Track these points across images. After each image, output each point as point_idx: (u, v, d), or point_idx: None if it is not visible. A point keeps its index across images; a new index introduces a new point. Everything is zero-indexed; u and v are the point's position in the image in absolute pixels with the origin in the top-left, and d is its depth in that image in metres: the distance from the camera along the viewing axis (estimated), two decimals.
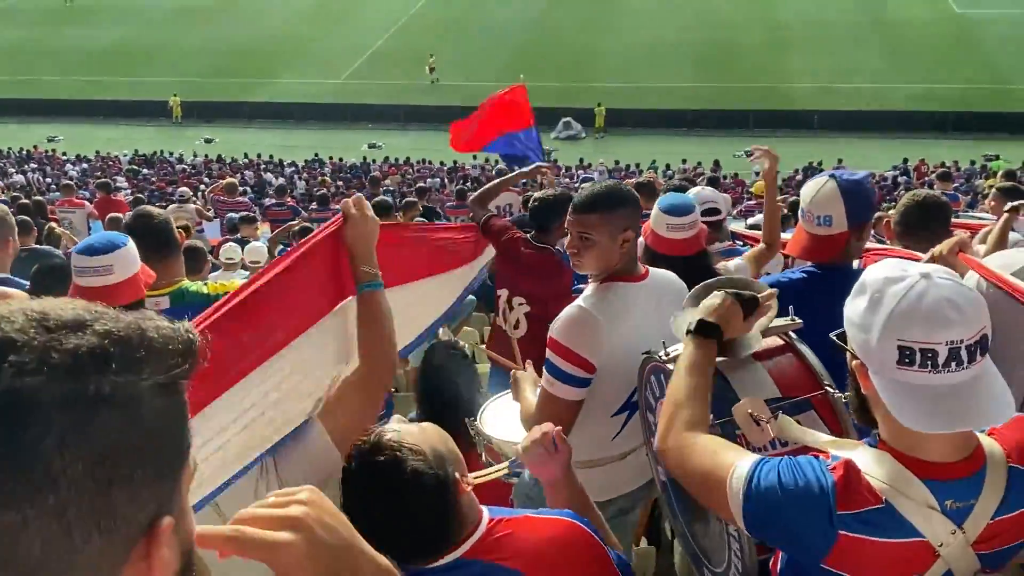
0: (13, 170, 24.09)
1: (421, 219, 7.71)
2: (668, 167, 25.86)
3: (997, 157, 25.72)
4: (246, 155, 29.07)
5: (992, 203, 5.84)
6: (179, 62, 41.75)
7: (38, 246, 5.93)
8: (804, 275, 2.58)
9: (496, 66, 39.75)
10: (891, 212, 3.44)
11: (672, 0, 45.92)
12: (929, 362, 1.30)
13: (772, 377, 1.90)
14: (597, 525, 1.66)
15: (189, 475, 0.73)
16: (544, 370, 2.37)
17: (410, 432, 1.46)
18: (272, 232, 9.93)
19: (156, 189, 20.02)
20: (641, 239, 3.00)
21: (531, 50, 41.17)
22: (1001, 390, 1.35)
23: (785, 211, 6.84)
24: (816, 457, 1.45)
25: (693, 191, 4.53)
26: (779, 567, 1.61)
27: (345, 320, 1.99)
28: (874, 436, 1.47)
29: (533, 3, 47.05)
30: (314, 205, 12.28)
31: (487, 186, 4.61)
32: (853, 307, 1.41)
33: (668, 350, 2.01)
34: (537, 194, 4.56)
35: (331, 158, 29.32)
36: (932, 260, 2.20)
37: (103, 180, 15.73)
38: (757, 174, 24.09)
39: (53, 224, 7.90)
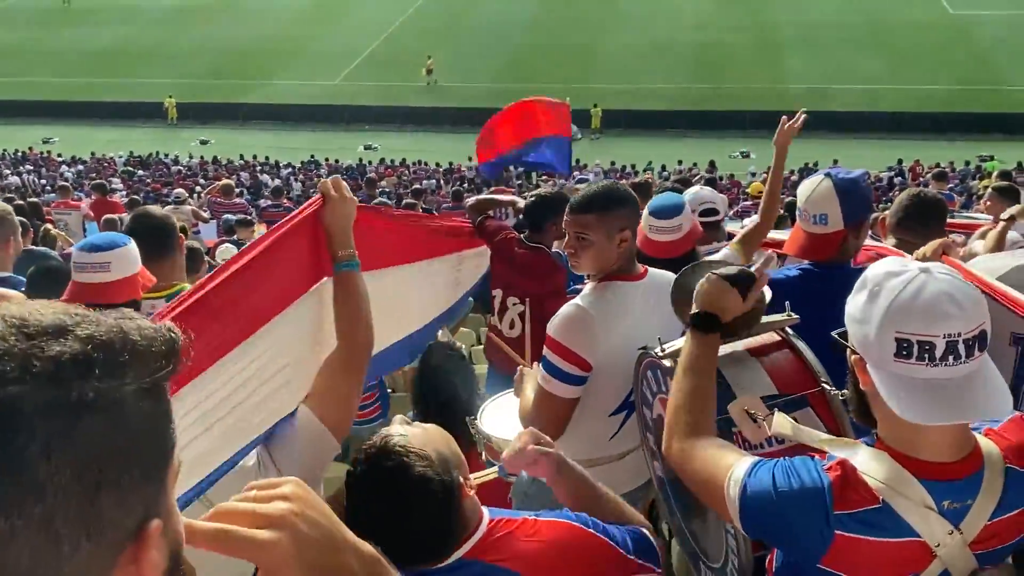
0: (8, 171, 24.03)
1: None
2: (664, 168, 25.90)
3: (991, 158, 25.80)
4: (242, 156, 29.03)
5: (988, 203, 5.87)
6: (174, 64, 41.67)
7: (34, 247, 5.92)
8: (801, 273, 2.59)
9: (492, 68, 39.81)
10: (886, 214, 3.46)
11: (667, 2, 46.00)
12: (927, 355, 1.31)
13: (769, 373, 1.90)
14: (608, 511, 1.65)
15: (175, 474, 0.73)
16: (541, 367, 2.37)
17: (415, 435, 1.46)
18: None
19: (152, 191, 19.95)
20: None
21: (527, 52, 41.21)
22: (1000, 385, 1.35)
23: (782, 211, 6.84)
24: (812, 457, 1.45)
25: (691, 191, 4.54)
26: (775, 566, 1.61)
27: (322, 301, 1.99)
28: (872, 435, 1.48)
29: (529, 5, 47.10)
30: None
31: (485, 195, 4.62)
32: (854, 302, 1.42)
33: (664, 346, 2.01)
34: (531, 193, 4.57)
35: (327, 159, 29.28)
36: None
37: (99, 182, 15.68)
38: (753, 175, 24.20)
39: (48, 225, 7.89)
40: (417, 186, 17.10)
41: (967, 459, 1.39)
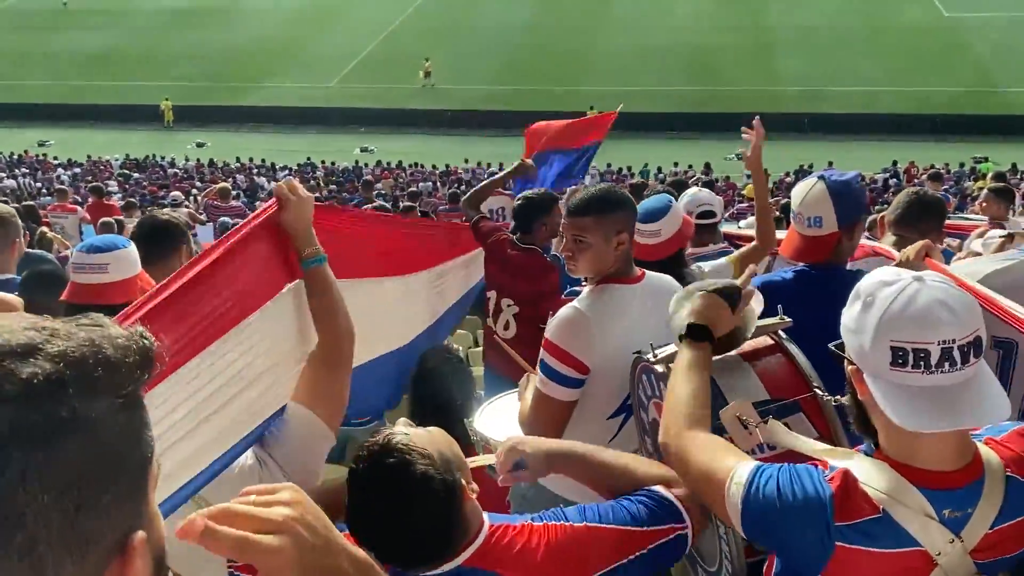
0: (3, 175, 23.99)
1: None
2: (660, 170, 25.92)
3: (986, 159, 25.87)
4: (238, 159, 28.97)
5: (984, 203, 5.90)
6: (170, 66, 41.62)
7: (30, 250, 5.91)
8: (795, 275, 2.60)
9: (489, 70, 39.84)
10: (884, 214, 3.50)
11: (663, 4, 46.09)
12: (922, 362, 1.31)
13: (760, 378, 1.89)
14: (624, 481, 1.67)
15: (155, 479, 0.72)
16: (538, 370, 2.38)
17: (418, 435, 1.46)
18: None
19: (148, 193, 19.93)
20: None
21: (523, 54, 41.25)
22: (997, 390, 1.35)
23: (777, 213, 6.86)
24: (815, 466, 1.45)
25: (689, 192, 4.55)
26: (774, 572, 1.61)
27: (297, 302, 1.99)
28: (869, 444, 1.47)
29: (524, 7, 47.13)
30: None
31: (479, 186, 4.63)
32: (848, 313, 1.42)
33: (656, 351, 2.02)
34: (520, 195, 4.58)
35: (323, 162, 29.26)
36: (900, 264, 2.24)
37: (95, 184, 15.65)
38: (749, 177, 24.21)
39: (44, 228, 7.88)
40: (414, 188, 17.11)
41: (967, 468, 1.39)
